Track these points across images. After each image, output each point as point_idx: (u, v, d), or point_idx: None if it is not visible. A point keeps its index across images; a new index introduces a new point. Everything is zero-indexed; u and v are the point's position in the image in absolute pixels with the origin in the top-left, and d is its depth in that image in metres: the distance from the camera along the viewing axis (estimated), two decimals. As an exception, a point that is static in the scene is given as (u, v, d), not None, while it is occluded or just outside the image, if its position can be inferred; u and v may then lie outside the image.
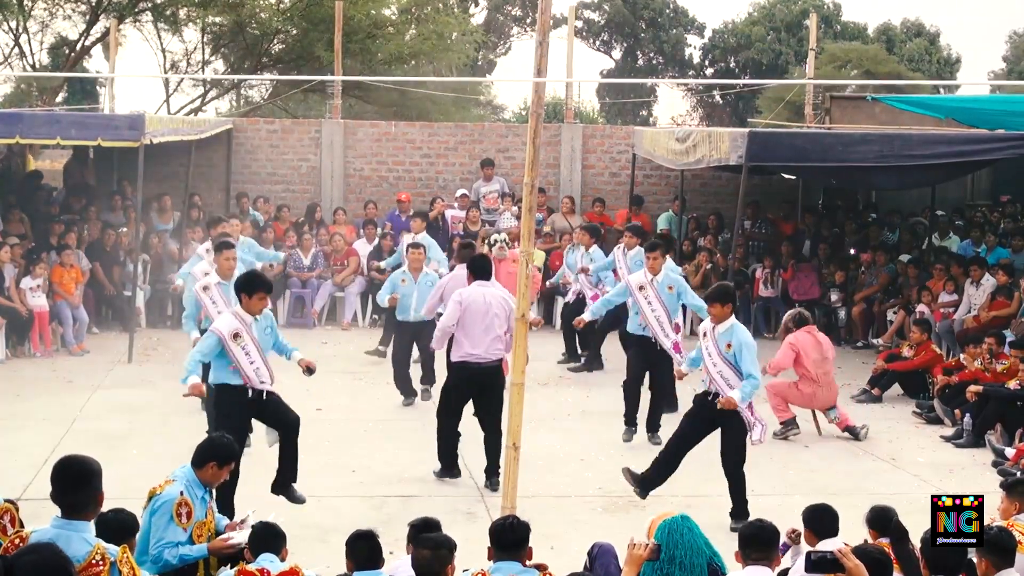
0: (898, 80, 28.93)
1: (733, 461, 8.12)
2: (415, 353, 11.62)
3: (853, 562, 4.63)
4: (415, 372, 11.59)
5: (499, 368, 8.76)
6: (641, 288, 10.23)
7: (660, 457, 8.37)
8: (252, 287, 7.82)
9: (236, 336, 7.66)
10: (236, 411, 7.70)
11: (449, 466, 8.93)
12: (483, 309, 8.70)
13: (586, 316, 11.22)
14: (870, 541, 5.75)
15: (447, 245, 15.95)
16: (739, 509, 8.04)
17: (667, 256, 10.96)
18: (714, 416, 8.14)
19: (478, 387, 8.80)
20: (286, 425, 7.86)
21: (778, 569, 5.49)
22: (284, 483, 7.80)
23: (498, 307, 8.75)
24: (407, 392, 11.44)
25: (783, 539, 5.90)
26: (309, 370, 8.11)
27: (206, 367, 7.93)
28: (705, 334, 8.31)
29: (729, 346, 8.13)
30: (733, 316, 8.33)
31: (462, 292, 8.90)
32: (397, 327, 11.57)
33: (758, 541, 5.16)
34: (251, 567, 5.27)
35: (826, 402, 10.75)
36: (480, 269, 9.02)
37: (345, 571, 5.38)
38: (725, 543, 5.52)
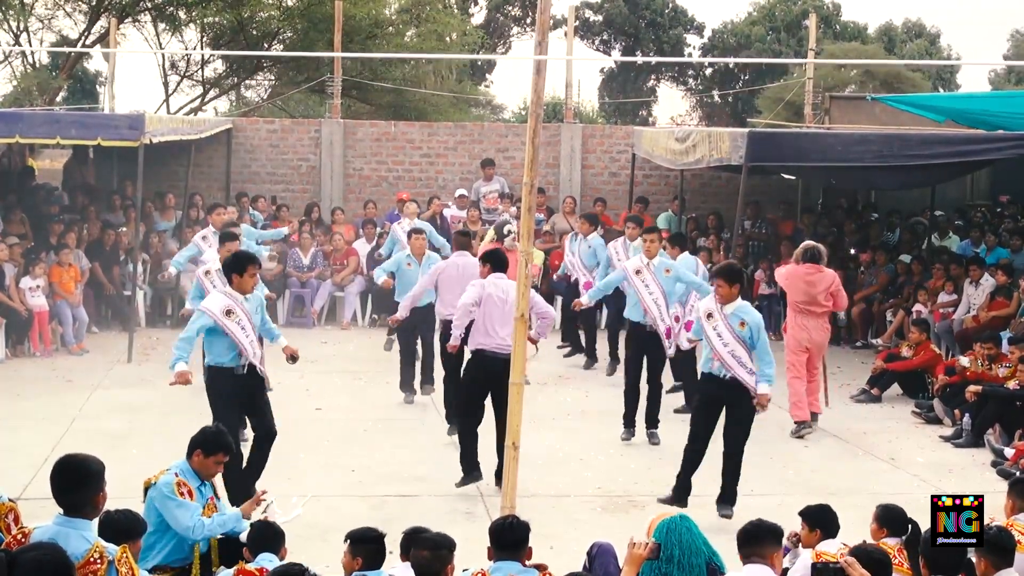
0: (897, 79, 28.95)
1: (736, 439, 8.10)
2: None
3: (859, 572, 4.62)
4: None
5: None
6: (638, 272, 10.22)
7: (684, 461, 8.25)
8: (242, 264, 7.89)
9: (229, 312, 7.72)
10: (228, 392, 7.73)
11: (469, 470, 8.63)
12: (501, 301, 8.56)
13: (584, 300, 11.06)
14: (871, 539, 5.75)
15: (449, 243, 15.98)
16: (731, 494, 8.08)
17: (684, 250, 11.20)
18: (723, 396, 8.11)
19: (495, 379, 8.35)
20: (265, 432, 7.84)
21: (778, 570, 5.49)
22: (243, 487, 7.58)
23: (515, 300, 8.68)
24: (408, 389, 11.42)
25: (785, 542, 5.89)
26: (293, 358, 8.19)
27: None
28: (711, 314, 8.13)
29: (743, 324, 8.04)
30: (740, 297, 8.20)
31: (483, 282, 8.76)
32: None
33: (755, 539, 5.15)
34: (250, 567, 5.27)
35: (816, 333, 10.69)
36: (498, 261, 8.87)
37: (344, 570, 5.38)
38: (725, 543, 5.52)
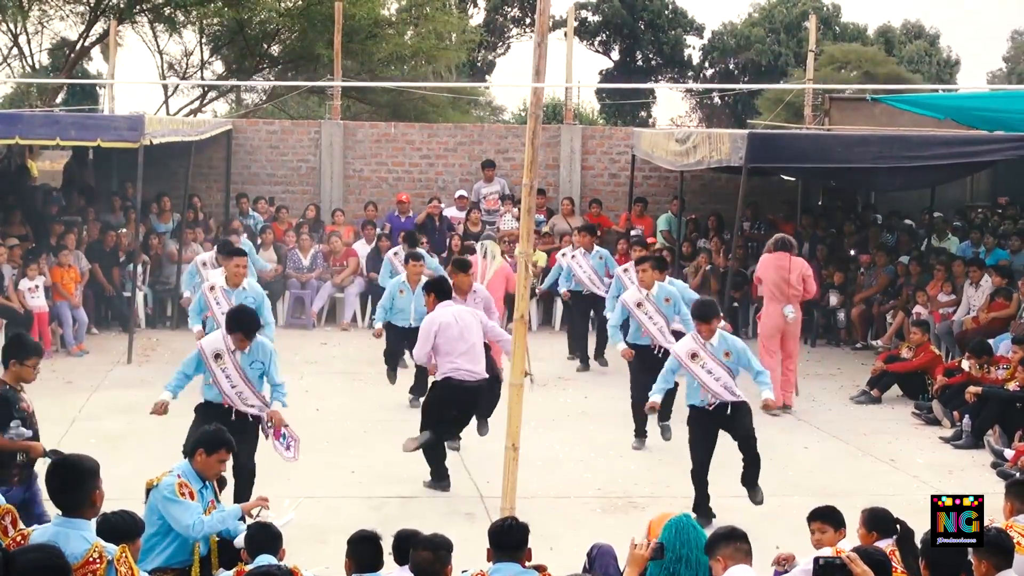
0: (897, 81, 28.94)
1: (751, 445, 8.11)
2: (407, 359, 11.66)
3: (861, 568, 4.62)
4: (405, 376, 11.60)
5: (482, 387, 8.81)
6: (639, 305, 10.23)
7: (694, 482, 8.26)
8: (231, 326, 7.73)
9: (217, 357, 7.67)
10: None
11: (441, 478, 8.75)
12: (456, 329, 8.67)
13: (621, 348, 10.54)
14: (861, 543, 5.72)
15: (446, 244, 15.98)
16: (754, 478, 8.14)
17: (664, 272, 10.80)
18: (716, 427, 8.19)
19: (460, 405, 8.76)
20: (244, 472, 7.58)
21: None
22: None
23: (469, 319, 8.77)
24: (392, 368, 11.51)
25: (774, 567, 5.84)
26: (270, 423, 7.77)
27: None
28: (695, 355, 8.20)
29: (728, 354, 8.18)
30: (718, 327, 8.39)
31: (429, 318, 8.85)
32: (392, 329, 11.59)
33: (723, 537, 5.10)
34: (249, 567, 5.27)
35: (793, 326, 11.52)
36: (441, 291, 9.02)
37: (345, 571, 5.39)
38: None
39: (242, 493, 7.54)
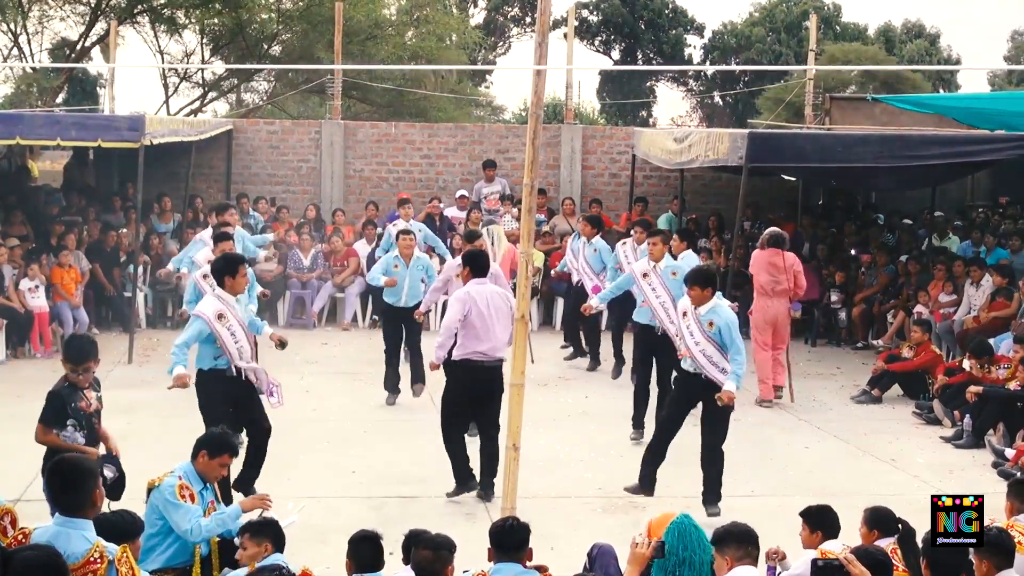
0: (897, 79, 28.94)
1: (713, 433, 8.10)
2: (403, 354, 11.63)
3: (859, 569, 4.62)
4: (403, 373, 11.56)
5: (500, 368, 8.55)
6: (645, 275, 10.23)
7: (648, 451, 8.36)
8: (232, 266, 7.98)
9: (220, 316, 7.77)
10: (220, 395, 7.80)
11: (464, 480, 8.55)
12: (485, 308, 8.46)
13: (594, 302, 11.21)
14: (863, 542, 5.72)
15: (447, 244, 15.96)
16: (715, 491, 8.10)
17: (689, 248, 11.07)
18: (698, 393, 8.16)
19: (479, 388, 8.53)
20: (260, 431, 7.98)
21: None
22: (244, 482, 7.92)
23: (501, 303, 8.57)
24: (392, 388, 11.42)
25: (767, 561, 5.83)
26: (281, 343, 8.60)
27: None
28: (686, 313, 8.26)
29: (712, 324, 8.08)
30: (715, 297, 8.25)
31: (464, 291, 8.62)
32: (386, 311, 11.59)
33: (736, 538, 5.10)
34: (261, 564, 5.28)
35: (779, 311, 11.88)
36: (478, 266, 8.72)
37: (346, 572, 5.39)
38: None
39: (257, 456, 7.91)
